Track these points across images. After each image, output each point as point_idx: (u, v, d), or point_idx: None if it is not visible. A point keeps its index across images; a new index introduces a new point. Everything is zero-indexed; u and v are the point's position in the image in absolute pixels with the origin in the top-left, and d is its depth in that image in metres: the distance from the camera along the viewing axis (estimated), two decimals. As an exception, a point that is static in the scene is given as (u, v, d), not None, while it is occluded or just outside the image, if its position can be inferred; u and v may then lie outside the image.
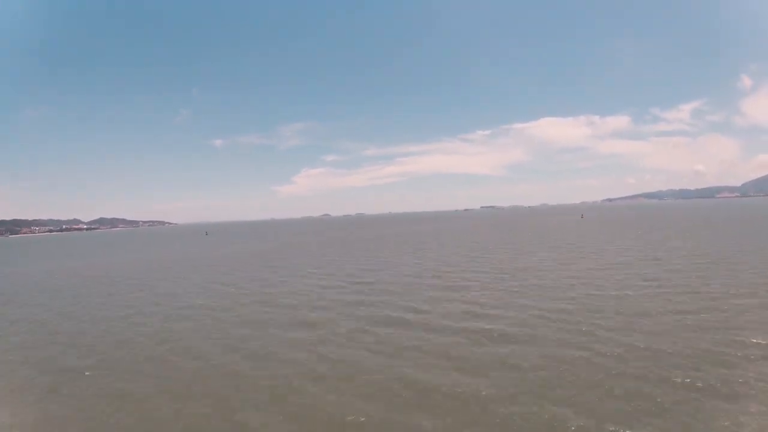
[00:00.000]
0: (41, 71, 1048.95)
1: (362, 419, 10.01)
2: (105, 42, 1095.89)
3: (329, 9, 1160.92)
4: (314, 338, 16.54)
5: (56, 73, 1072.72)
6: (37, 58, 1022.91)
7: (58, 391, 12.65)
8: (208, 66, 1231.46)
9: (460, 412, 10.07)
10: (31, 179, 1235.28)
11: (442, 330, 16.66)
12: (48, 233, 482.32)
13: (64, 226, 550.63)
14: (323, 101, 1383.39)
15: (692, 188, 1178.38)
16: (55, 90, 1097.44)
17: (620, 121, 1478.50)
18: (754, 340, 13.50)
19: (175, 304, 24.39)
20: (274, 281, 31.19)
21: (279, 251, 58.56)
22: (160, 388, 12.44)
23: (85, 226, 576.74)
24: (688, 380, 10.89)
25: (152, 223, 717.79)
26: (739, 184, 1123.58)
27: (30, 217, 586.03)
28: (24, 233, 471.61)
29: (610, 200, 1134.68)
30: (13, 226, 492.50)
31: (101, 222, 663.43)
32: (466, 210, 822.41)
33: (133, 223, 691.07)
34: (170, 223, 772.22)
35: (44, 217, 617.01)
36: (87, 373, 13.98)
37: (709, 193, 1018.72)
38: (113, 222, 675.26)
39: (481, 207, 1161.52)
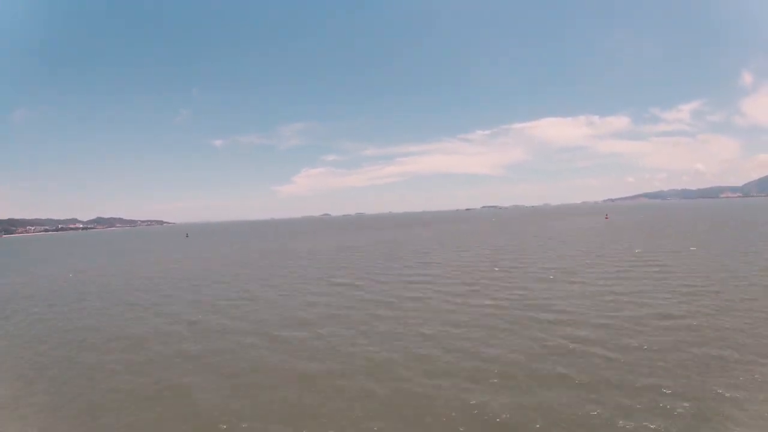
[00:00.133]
0: (41, 71, 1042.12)
1: None
2: (105, 42, 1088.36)
3: (329, 9, 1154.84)
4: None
5: (56, 73, 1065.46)
6: (37, 58, 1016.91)
7: None
8: (208, 66, 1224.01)
9: None
10: (30, 179, 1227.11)
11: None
12: (44, 233, 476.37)
13: (60, 226, 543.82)
14: (323, 101, 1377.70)
15: (694, 188, 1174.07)
16: (55, 90, 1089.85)
17: (620, 121, 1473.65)
18: None
19: None
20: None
21: (233, 266, 50.39)
22: None
23: (81, 226, 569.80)
24: None
25: (150, 222, 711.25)
26: (740, 184, 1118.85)
27: (30, 217, 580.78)
28: (20, 233, 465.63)
29: (612, 200, 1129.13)
30: (9, 226, 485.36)
31: (98, 221, 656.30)
32: (467, 210, 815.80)
33: (131, 223, 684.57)
34: (168, 223, 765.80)
35: (43, 216, 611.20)
36: None
37: (711, 193, 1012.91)
38: (110, 221, 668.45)
39: (482, 207, 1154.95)
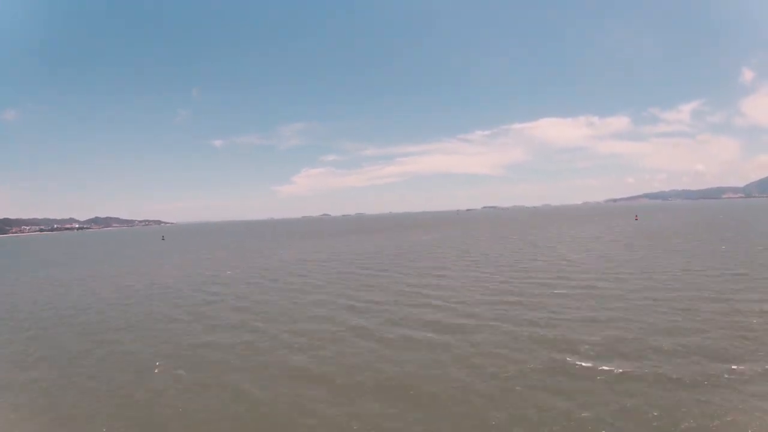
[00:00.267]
0: (41, 71, 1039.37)
1: None
2: (105, 42, 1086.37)
3: (329, 9, 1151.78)
4: None
5: (56, 73, 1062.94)
6: (37, 58, 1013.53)
7: None
8: (208, 66, 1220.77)
9: None
10: (30, 179, 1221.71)
11: None
12: (39, 232, 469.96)
13: (55, 226, 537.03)
14: (323, 101, 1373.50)
15: (695, 189, 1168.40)
16: (55, 90, 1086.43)
17: (620, 121, 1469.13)
18: None
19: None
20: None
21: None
22: None
23: (77, 226, 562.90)
24: None
25: (147, 222, 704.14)
26: (741, 184, 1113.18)
27: (29, 216, 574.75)
28: (14, 233, 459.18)
29: (613, 201, 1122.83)
30: (3, 225, 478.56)
31: (95, 221, 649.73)
32: (468, 210, 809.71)
33: (128, 222, 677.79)
34: (166, 223, 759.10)
35: (42, 216, 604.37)
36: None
37: (712, 193, 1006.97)
38: (107, 221, 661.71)
39: (483, 207, 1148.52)
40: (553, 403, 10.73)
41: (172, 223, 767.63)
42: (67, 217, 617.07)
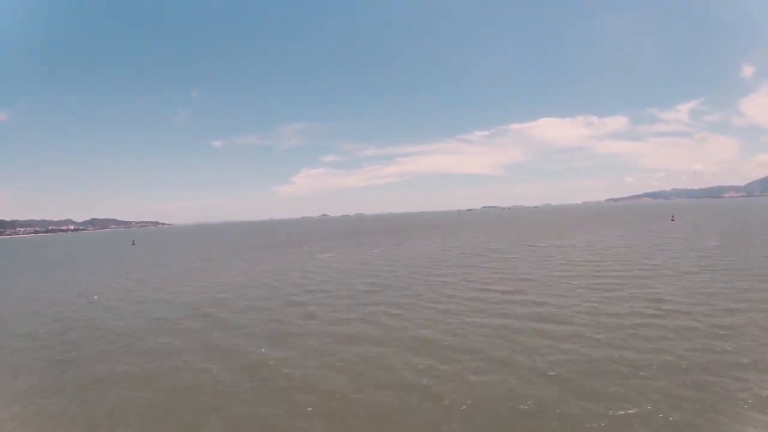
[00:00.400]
0: (41, 71, 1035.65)
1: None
2: (105, 42, 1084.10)
3: (329, 9, 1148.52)
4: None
5: (56, 73, 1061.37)
6: (37, 58, 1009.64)
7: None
8: (208, 66, 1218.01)
9: None
10: (30, 179, 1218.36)
11: None
12: (33, 234, 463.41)
13: (50, 227, 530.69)
14: (323, 101, 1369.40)
15: (696, 188, 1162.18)
16: (55, 90, 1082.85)
17: (618, 121, 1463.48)
18: None
19: None
20: None
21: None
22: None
23: (73, 227, 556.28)
24: None
25: (144, 223, 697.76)
26: (740, 183, 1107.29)
27: (26, 217, 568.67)
28: (8, 234, 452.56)
29: (614, 200, 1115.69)
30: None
31: (92, 223, 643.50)
32: (469, 210, 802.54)
33: (125, 224, 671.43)
34: (164, 224, 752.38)
35: (40, 217, 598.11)
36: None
37: (714, 192, 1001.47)
38: (104, 223, 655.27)
39: (483, 207, 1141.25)
40: None
41: (169, 225, 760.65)
42: (65, 218, 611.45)
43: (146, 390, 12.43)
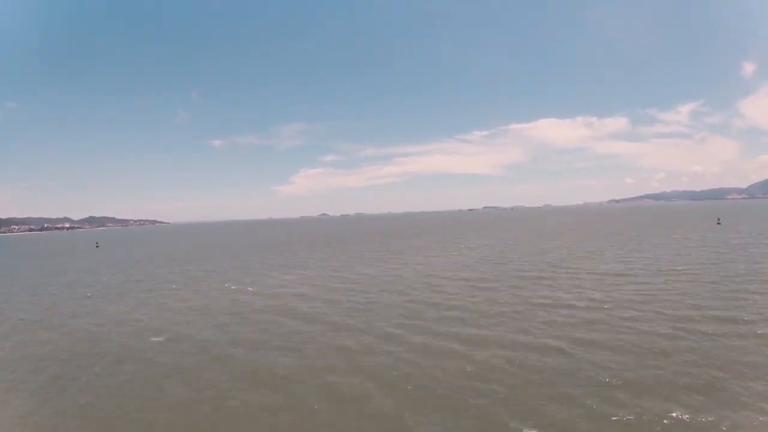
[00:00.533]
0: (41, 71, 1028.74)
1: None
2: (105, 42, 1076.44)
3: (329, 9, 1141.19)
4: None
5: (56, 73, 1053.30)
6: (37, 58, 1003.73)
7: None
8: (208, 66, 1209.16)
9: None
10: (30, 179, 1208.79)
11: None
12: (28, 232, 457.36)
13: (45, 225, 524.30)
14: (323, 101, 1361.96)
15: (697, 189, 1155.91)
16: (55, 90, 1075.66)
17: (618, 122, 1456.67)
18: None
19: None
20: None
21: None
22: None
23: (68, 225, 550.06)
24: None
25: (142, 222, 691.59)
26: (741, 185, 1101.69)
27: (25, 215, 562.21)
28: (2, 232, 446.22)
29: (616, 201, 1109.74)
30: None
31: (89, 221, 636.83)
32: (470, 210, 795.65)
33: (123, 222, 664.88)
34: (163, 222, 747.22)
35: (38, 216, 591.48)
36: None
37: (716, 194, 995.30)
38: (101, 221, 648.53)
39: (484, 207, 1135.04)
40: None
41: (167, 223, 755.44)
42: (63, 216, 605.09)
43: None
